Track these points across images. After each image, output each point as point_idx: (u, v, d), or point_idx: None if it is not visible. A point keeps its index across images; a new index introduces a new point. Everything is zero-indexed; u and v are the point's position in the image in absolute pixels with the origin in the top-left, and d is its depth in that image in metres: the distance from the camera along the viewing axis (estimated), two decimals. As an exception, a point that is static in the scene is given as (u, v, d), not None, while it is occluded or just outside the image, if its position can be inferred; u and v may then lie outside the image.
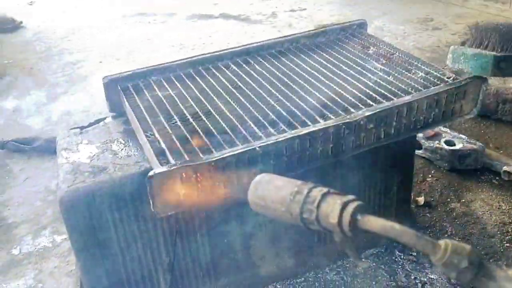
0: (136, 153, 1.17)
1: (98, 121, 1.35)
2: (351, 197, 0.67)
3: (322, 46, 1.47)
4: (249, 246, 1.29)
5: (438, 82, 1.18)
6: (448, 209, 1.62)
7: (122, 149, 1.20)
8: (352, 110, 1.11)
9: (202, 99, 1.23)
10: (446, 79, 1.19)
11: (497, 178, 1.75)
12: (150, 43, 3.32)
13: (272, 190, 0.74)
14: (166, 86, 1.31)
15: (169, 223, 1.16)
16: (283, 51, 1.46)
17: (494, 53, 1.18)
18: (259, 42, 1.47)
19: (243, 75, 1.33)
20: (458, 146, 1.76)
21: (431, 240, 0.58)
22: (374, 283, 1.34)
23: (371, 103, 1.13)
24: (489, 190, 1.69)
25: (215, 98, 1.23)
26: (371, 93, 1.18)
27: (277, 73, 1.33)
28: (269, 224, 1.28)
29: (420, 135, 1.84)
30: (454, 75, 1.19)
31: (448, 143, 1.79)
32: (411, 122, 1.14)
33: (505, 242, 1.46)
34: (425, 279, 1.34)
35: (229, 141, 1.04)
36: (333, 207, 0.66)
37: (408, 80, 1.22)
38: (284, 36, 1.50)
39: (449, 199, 1.66)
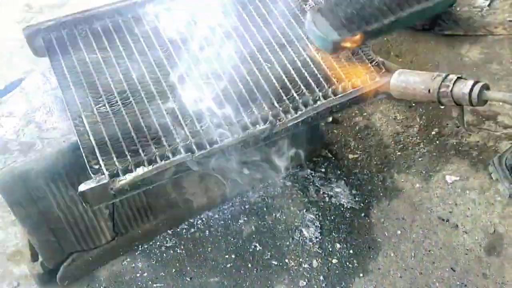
0: (61, 123, 1.22)
1: (14, 85, 1.35)
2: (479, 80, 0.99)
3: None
4: (181, 187, 1.44)
5: None
6: (352, 123, 1.83)
7: (45, 120, 1.23)
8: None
9: (130, 68, 1.22)
10: None
11: (395, 88, 1.96)
12: None
13: (414, 75, 1.06)
14: (93, 43, 1.27)
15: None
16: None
17: None
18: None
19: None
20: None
21: None
22: (290, 201, 1.58)
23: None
24: (387, 102, 1.91)
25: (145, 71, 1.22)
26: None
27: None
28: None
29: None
30: None
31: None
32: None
33: (397, 151, 1.72)
34: (332, 193, 1.59)
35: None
36: (466, 83, 0.99)
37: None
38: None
39: (353, 114, 1.87)
